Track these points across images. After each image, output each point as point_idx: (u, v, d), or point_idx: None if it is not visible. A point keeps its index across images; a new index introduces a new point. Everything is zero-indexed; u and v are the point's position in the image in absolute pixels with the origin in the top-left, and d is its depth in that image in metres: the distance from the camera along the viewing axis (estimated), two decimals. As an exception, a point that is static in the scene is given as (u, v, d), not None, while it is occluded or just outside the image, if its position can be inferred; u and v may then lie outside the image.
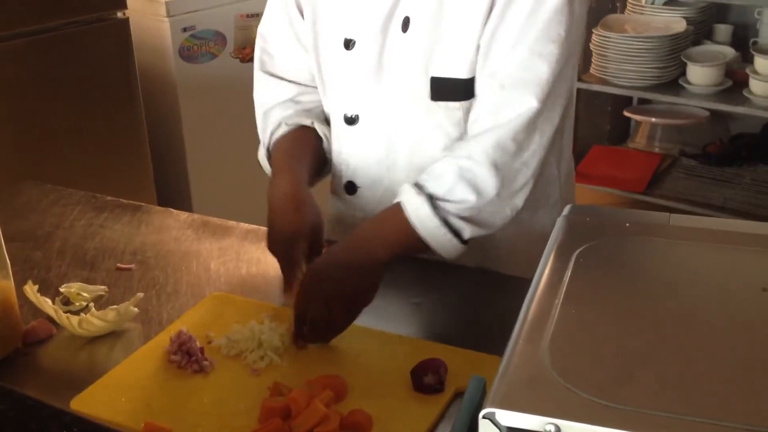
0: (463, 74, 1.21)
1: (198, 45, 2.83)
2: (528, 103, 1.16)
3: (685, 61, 3.10)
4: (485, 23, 1.17)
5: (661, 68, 3.12)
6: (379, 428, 0.96)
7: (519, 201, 1.20)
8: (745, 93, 2.99)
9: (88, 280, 1.30)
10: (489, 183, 1.16)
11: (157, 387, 1.05)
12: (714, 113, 3.27)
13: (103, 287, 1.27)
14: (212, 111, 2.92)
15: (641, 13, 3.33)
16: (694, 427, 0.59)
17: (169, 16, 2.74)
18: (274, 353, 1.09)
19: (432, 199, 1.16)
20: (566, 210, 0.93)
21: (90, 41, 2.53)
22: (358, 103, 1.30)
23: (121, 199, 1.60)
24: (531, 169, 1.19)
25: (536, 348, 0.68)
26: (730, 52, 3.13)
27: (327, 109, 1.37)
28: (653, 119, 3.44)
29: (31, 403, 0.89)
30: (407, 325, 1.17)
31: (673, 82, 3.14)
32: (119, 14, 2.59)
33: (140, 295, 1.21)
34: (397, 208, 1.18)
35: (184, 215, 1.53)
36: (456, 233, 1.17)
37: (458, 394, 1.02)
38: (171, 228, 1.48)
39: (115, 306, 1.18)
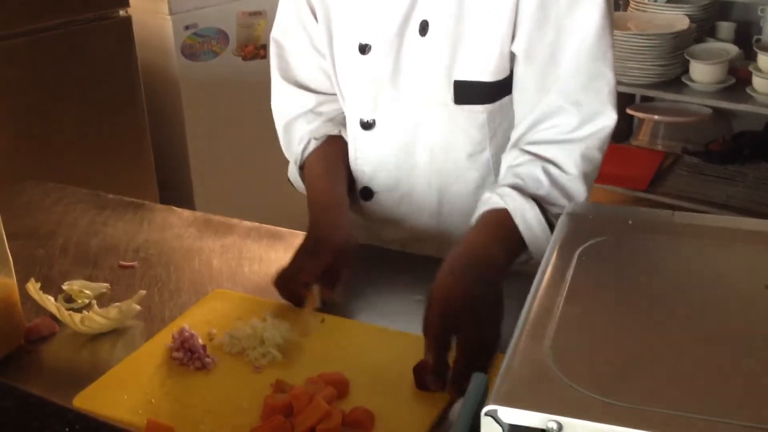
0: (487, 77, 1.20)
1: (200, 43, 2.83)
2: (608, 115, 1.17)
3: (688, 58, 3.09)
4: (512, 25, 1.15)
5: (664, 66, 3.12)
6: (381, 425, 0.96)
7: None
8: (748, 90, 2.99)
9: (90, 278, 1.30)
10: (580, 193, 1.17)
11: (160, 384, 1.05)
12: (717, 111, 3.27)
13: (105, 285, 1.27)
14: (214, 109, 2.92)
15: (644, 11, 3.33)
16: (696, 424, 0.59)
17: (171, 14, 2.74)
18: (275, 350, 1.08)
19: (538, 202, 1.15)
20: (569, 207, 0.93)
21: (92, 39, 2.54)
22: (375, 108, 1.29)
23: (123, 197, 1.60)
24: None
25: (539, 345, 0.68)
26: (733, 49, 3.12)
27: (345, 113, 1.36)
28: (656, 117, 3.43)
29: (33, 400, 0.89)
30: (409, 322, 1.16)
31: (676, 80, 3.13)
32: (121, 12, 2.59)
33: (143, 292, 1.21)
34: (502, 214, 1.14)
35: (186, 213, 1.53)
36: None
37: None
38: (173, 226, 1.48)
39: (117, 303, 1.18)
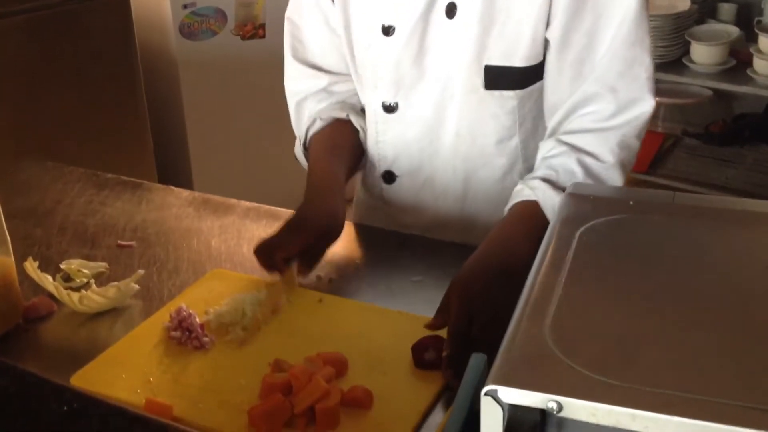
0: (519, 63, 1.19)
1: (198, 22, 2.81)
2: (646, 101, 1.16)
3: (689, 40, 3.08)
4: (546, 10, 1.14)
5: (665, 47, 3.10)
6: (379, 404, 0.96)
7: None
8: (748, 72, 2.98)
9: (88, 257, 1.29)
10: (615, 181, 1.16)
11: (158, 363, 1.05)
12: (717, 93, 3.26)
13: (103, 264, 1.27)
14: (213, 88, 2.91)
15: (645, -8, 3.30)
16: (696, 404, 0.59)
17: (169, -8, 2.72)
18: (253, 321, 1.09)
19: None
20: (570, 188, 0.92)
21: (90, 18, 2.52)
22: (397, 91, 1.27)
23: (121, 177, 1.59)
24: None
25: (539, 326, 0.68)
26: (734, 31, 3.11)
27: (363, 96, 1.34)
28: (656, 98, 3.42)
29: (31, 379, 0.89)
30: (408, 303, 1.16)
31: (677, 61, 3.12)
32: (119, -10, 2.57)
33: (141, 272, 1.20)
34: (531, 206, 1.13)
35: (185, 193, 1.53)
36: None
37: None
38: (172, 205, 1.48)
39: (115, 283, 1.18)
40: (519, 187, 1.17)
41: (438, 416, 0.96)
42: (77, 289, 1.19)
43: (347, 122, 1.35)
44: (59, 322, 1.15)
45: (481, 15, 1.17)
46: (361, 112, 1.37)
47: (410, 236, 1.34)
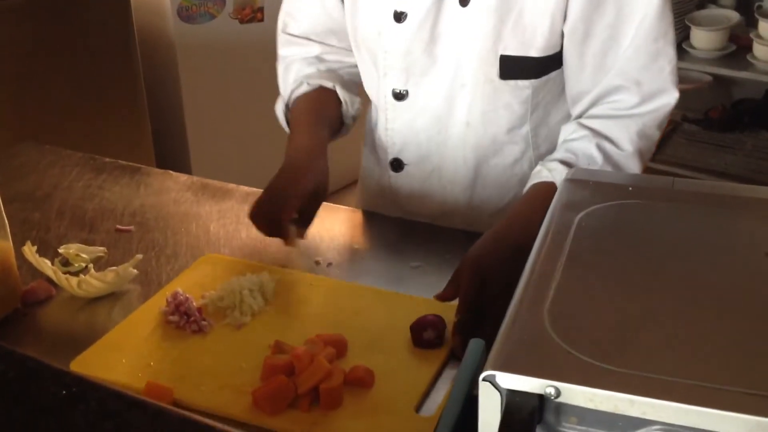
0: (536, 53, 1.18)
1: (197, 5, 2.80)
2: (670, 93, 1.16)
3: (689, 24, 3.07)
4: (564, 1, 1.13)
5: (665, 32, 3.09)
6: (381, 383, 0.97)
7: None
8: (748, 58, 2.97)
9: (87, 242, 1.29)
10: (633, 170, 1.16)
11: (157, 348, 1.05)
12: (717, 78, 3.25)
13: (102, 248, 1.27)
14: (211, 72, 2.90)
15: (645, -24, 3.29)
16: (695, 390, 0.59)
17: (167, -25, 2.71)
18: (255, 304, 1.09)
19: None
20: (569, 173, 0.92)
21: (88, 1, 2.50)
22: (408, 79, 1.27)
23: (119, 161, 1.59)
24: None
25: (537, 311, 0.68)
26: (734, 16, 3.10)
27: (370, 83, 1.34)
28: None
29: (30, 363, 0.89)
30: (405, 288, 1.17)
31: (677, 47, 3.11)
32: (117, -27, 2.56)
33: (139, 256, 1.20)
34: (547, 187, 1.13)
35: (183, 177, 1.53)
36: None
37: None
38: (170, 190, 1.47)
39: (114, 267, 1.18)
40: (538, 168, 1.18)
41: (438, 394, 0.97)
42: (76, 274, 1.19)
43: (333, 92, 1.36)
44: (58, 307, 1.15)
45: (497, 5, 1.16)
46: (349, 85, 1.37)
47: (412, 222, 1.34)
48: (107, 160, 1.59)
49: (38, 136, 1.85)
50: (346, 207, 1.41)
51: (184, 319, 1.07)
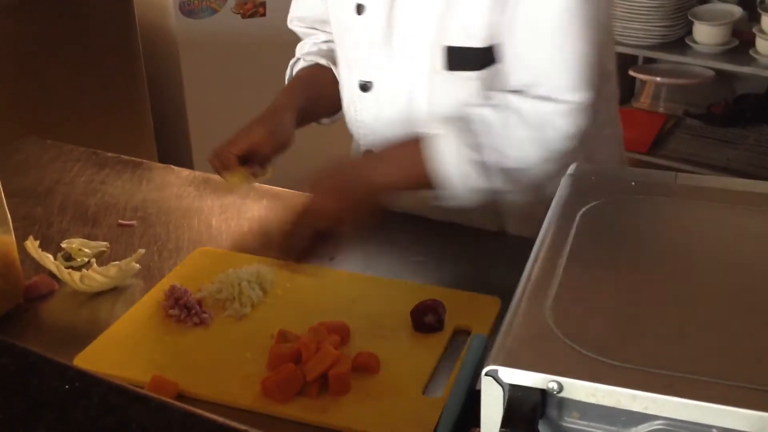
0: (478, 43, 1.17)
1: (198, 0, 2.79)
2: (578, 92, 1.12)
3: (692, 19, 3.06)
4: None
5: (667, 27, 3.08)
6: (386, 368, 0.98)
7: (554, 167, 1.15)
8: (751, 53, 2.96)
9: (89, 236, 1.29)
10: (529, 154, 1.13)
11: (160, 342, 1.05)
12: (719, 73, 3.24)
13: (104, 243, 1.27)
14: (213, 67, 2.89)
15: (648, -29, 3.28)
16: (697, 385, 0.59)
17: (169, -31, 2.71)
18: (254, 295, 1.10)
19: (475, 148, 1.13)
20: (571, 168, 0.92)
21: (89, -5, 2.50)
22: (371, 70, 1.28)
23: (121, 156, 1.59)
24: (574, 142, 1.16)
25: (540, 306, 0.68)
26: (737, 10, 3.09)
27: (341, 77, 1.35)
28: (658, 79, 3.40)
29: (32, 357, 0.89)
30: (407, 280, 1.17)
31: (679, 41, 3.10)
32: (119, -32, 2.55)
33: (142, 251, 1.20)
34: (419, 137, 1.14)
35: (185, 172, 1.53)
36: (482, 179, 1.13)
37: (458, 332, 1.05)
38: (172, 185, 1.47)
39: (116, 262, 1.18)
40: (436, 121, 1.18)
41: (443, 376, 0.98)
42: (78, 269, 1.19)
43: (328, 69, 1.38)
44: (60, 302, 1.16)
45: None
46: None
47: (414, 217, 1.34)
48: (109, 155, 1.59)
49: (40, 132, 1.85)
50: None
51: (184, 313, 1.07)
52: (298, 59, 1.42)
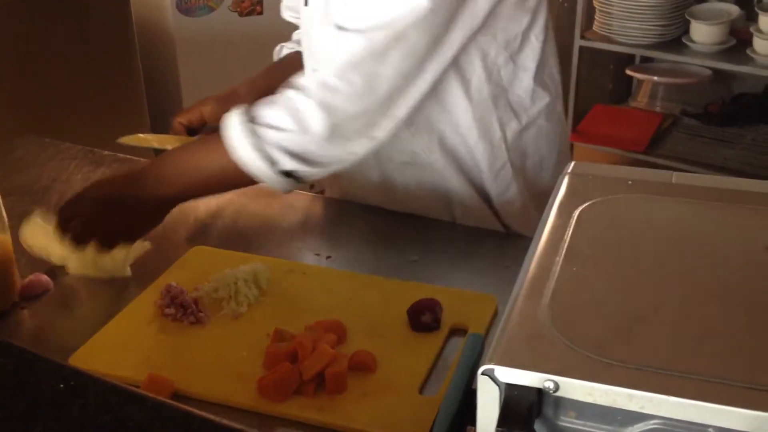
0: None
1: (196, -2, 2.79)
2: (353, 40, 1.09)
3: (689, 18, 3.06)
4: None
5: (665, 26, 3.08)
6: (383, 367, 0.98)
7: (359, 148, 1.14)
8: (748, 52, 2.96)
9: (85, 235, 1.29)
10: (317, 120, 1.10)
11: (156, 341, 1.05)
12: (717, 72, 3.24)
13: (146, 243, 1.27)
14: (210, 65, 2.89)
15: (645, -30, 3.28)
16: (694, 385, 0.59)
17: (166, -33, 2.70)
18: (250, 294, 1.10)
19: (252, 124, 1.12)
20: (568, 167, 0.92)
21: (86, -7, 2.50)
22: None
23: (118, 154, 1.59)
24: (378, 115, 1.12)
25: (536, 305, 0.68)
26: (734, 10, 3.09)
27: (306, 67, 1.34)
28: (655, 78, 3.40)
29: (28, 356, 0.89)
30: (403, 279, 1.17)
31: (676, 41, 3.10)
32: (116, -34, 2.55)
33: (147, 244, 1.20)
34: (217, 135, 1.15)
35: (182, 170, 1.52)
36: (273, 163, 1.12)
37: (454, 331, 1.05)
38: (169, 183, 1.47)
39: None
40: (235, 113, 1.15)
41: (440, 375, 0.98)
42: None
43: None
44: (56, 300, 1.15)
45: None
46: None
47: (411, 216, 1.34)
48: (106, 153, 1.59)
49: (37, 130, 1.85)
50: (346, 200, 1.41)
51: (180, 312, 1.07)
52: (283, 46, 1.44)
